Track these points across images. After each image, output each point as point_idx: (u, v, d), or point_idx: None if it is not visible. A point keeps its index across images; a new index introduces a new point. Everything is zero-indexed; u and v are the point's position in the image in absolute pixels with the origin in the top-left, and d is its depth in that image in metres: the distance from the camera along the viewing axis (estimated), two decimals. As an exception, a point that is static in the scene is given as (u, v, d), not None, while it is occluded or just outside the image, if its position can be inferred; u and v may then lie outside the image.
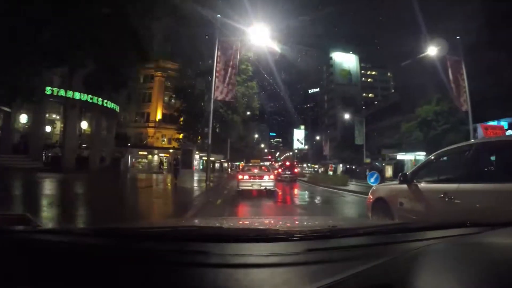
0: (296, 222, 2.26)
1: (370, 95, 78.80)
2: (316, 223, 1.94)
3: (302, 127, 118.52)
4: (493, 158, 2.87)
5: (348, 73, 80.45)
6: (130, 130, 31.30)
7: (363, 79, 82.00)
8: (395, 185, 3.86)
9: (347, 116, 31.54)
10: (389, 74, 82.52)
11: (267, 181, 10.56)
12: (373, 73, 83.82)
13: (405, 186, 3.38)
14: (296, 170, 23.53)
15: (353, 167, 46.44)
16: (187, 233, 1.16)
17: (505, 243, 0.94)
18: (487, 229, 1.14)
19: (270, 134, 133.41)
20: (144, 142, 30.03)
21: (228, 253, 0.92)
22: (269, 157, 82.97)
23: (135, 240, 1.06)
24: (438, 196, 2.76)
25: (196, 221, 2.35)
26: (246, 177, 10.70)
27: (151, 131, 30.60)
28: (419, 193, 3.20)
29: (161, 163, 28.27)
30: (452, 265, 0.77)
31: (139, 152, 29.30)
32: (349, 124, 43.23)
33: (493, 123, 16.45)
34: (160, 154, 31.13)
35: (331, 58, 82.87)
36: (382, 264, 0.82)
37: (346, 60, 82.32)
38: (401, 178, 3.46)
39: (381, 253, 0.90)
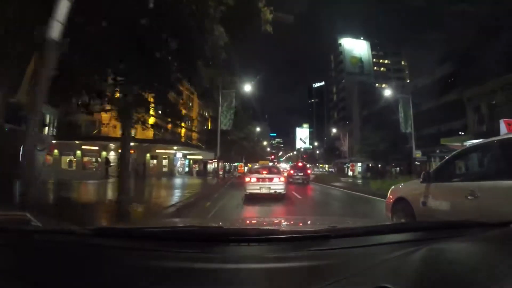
0: (297, 223, 2.19)
1: (383, 85, 70.34)
2: (317, 223, 2.01)
3: (306, 125, 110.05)
4: None
5: (359, 60, 72.37)
6: (81, 117, 21.77)
7: (375, 68, 73.81)
8: (417, 184, 3.64)
9: (388, 92, 22.21)
10: (403, 62, 74.76)
11: (277, 184, 9.50)
12: (386, 61, 75.76)
13: (428, 184, 3.33)
14: (309, 172, 21.45)
15: (379, 165, 37.48)
16: (187, 233, 1.15)
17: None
18: (487, 229, 1.17)
19: (271, 134, 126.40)
20: (94, 132, 20.23)
21: (228, 253, 0.92)
22: (272, 157, 75.17)
23: (135, 240, 1.06)
24: (464, 194, 2.71)
25: (197, 221, 2.39)
26: (254, 179, 9.71)
27: (105, 116, 21.00)
28: (443, 192, 3.15)
29: (107, 162, 18.66)
30: (452, 264, 0.79)
31: (84, 147, 19.77)
32: (372, 112, 34.58)
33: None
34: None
35: (340, 44, 74.48)
36: (382, 264, 0.82)
37: (356, 46, 74.03)
38: (424, 176, 3.43)
39: (381, 253, 0.90)
